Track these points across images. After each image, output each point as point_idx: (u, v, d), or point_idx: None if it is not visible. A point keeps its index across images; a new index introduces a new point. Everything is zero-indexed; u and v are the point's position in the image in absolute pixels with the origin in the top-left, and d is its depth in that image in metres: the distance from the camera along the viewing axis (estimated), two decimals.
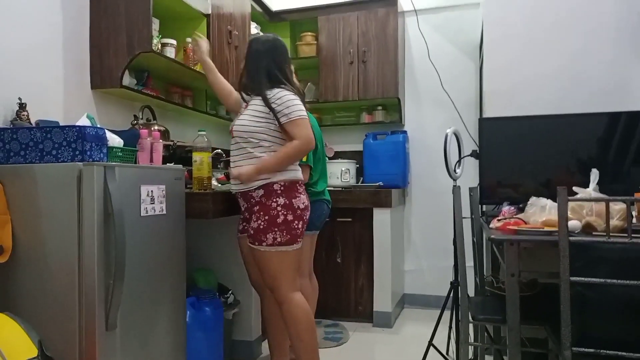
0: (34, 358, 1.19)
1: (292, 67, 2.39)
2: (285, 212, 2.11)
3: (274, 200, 2.12)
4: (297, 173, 2.20)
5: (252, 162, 2.14)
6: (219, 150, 3.11)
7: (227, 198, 2.36)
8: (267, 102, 2.14)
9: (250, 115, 2.18)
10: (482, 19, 3.07)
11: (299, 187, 2.19)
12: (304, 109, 2.16)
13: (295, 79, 2.36)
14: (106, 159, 1.79)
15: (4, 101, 2.02)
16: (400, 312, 3.74)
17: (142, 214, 1.80)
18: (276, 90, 2.16)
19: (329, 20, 3.82)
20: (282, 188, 2.13)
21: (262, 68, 2.23)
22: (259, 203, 2.14)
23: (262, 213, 2.12)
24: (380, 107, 3.94)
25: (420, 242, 3.94)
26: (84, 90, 2.48)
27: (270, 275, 2.16)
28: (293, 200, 2.14)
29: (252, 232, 2.14)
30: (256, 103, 2.19)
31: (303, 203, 2.17)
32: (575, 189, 1.81)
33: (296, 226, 2.14)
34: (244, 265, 2.44)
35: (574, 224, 1.67)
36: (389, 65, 3.67)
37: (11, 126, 1.96)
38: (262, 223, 2.11)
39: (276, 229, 2.10)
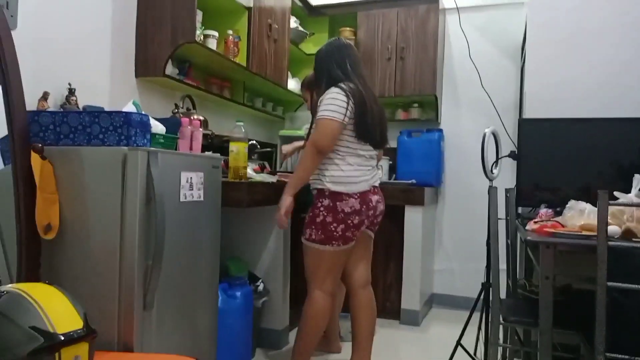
0: (80, 329, 1.25)
1: (355, 60, 2.31)
2: (325, 213, 2.16)
3: (320, 200, 2.20)
4: (347, 187, 2.17)
5: (314, 174, 2.22)
6: (254, 142, 3.17)
7: (261, 188, 2.41)
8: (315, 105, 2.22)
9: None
10: (525, 19, 3.01)
11: (351, 193, 2.18)
12: (334, 109, 2.09)
13: (361, 72, 2.30)
14: (149, 145, 1.85)
15: (55, 86, 2.11)
16: (428, 311, 3.72)
17: (181, 200, 1.85)
18: (329, 90, 2.17)
19: (369, 16, 3.81)
20: (329, 191, 2.17)
21: (321, 72, 2.29)
22: (313, 201, 2.26)
23: (312, 208, 2.23)
24: (416, 105, 3.92)
25: (451, 242, 3.91)
26: (128, 78, 2.57)
27: (305, 267, 2.29)
28: (338, 203, 2.16)
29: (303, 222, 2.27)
30: None
31: (350, 207, 2.16)
32: (616, 193, 1.77)
33: (334, 228, 2.16)
34: None
35: (613, 229, 1.63)
36: (427, 63, 3.65)
37: (61, 110, 2.05)
38: (308, 218, 2.24)
39: (313, 227, 2.20)
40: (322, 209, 2.17)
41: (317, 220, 2.18)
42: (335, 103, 2.10)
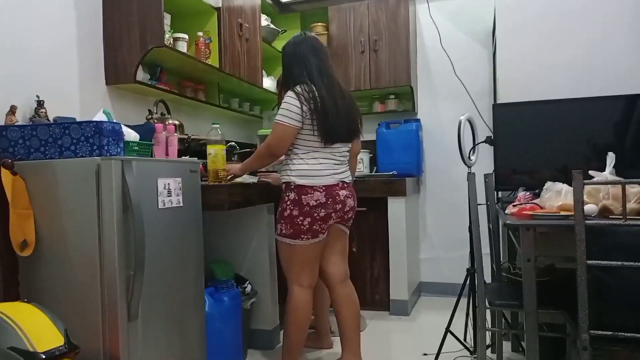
0: (61, 346, 1.23)
1: (320, 56, 2.29)
2: (292, 207, 2.20)
3: (287, 194, 2.24)
4: (312, 180, 2.20)
5: (282, 167, 2.31)
6: (233, 143, 3.15)
7: (242, 190, 2.39)
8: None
9: None
10: (494, 5, 3.03)
11: (315, 186, 2.20)
12: (286, 113, 2.15)
13: (326, 68, 2.28)
14: (123, 153, 1.82)
15: (22, 99, 2.06)
16: (417, 300, 3.75)
17: (159, 207, 1.83)
18: (286, 94, 2.22)
19: (339, 10, 3.80)
20: (294, 184, 2.20)
21: (285, 72, 2.34)
22: (281, 196, 2.29)
23: (279, 204, 2.28)
24: (392, 96, 3.93)
25: (436, 230, 3.94)
26: (99, 86, 2.52)
27: (281, 263, 2.36)
28: (303, 196, 2.18)
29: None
30: None
31: (316, 200, 2.19)
32: (591, 172, 1.79)
33: (301, 222, 2.19)
34: None
35: (590, 207, 1.66)
36: (400, 54, 3.66)
37: (30, 123, 2.00)
38: (278, 213, 2.28)
39: (282, 221, 2.24)
40: (288, 202, 2.21)
41: (284, 215, 2.22)
42: (289, 108, 2.16)
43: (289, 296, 2.29)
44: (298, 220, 2.19)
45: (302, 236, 2.20)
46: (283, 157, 2.32)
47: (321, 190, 2.20)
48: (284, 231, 2.23)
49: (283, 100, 2.20)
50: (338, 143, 2.26)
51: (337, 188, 2.24)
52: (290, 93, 2.19)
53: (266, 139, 2.26)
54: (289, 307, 2.29)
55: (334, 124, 2.20)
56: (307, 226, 2.19)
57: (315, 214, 2.19)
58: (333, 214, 2.24)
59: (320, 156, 2.23)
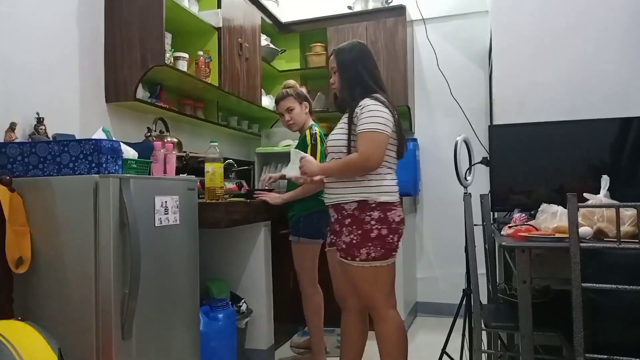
0: None
1: (378, 69, 2.19)
2: (379, 227, 2.01)
3: (368, 214, 2.02)
4: (394, 196, 2.07)
5: (348, 185, 2.06)
6: (231, 161, 3.16)
7: (239, 208, 2.39)
8: (350, 115, 2.05)
9: (340, 130, 2.10)
10: (490, 26, 3.08)
11: (396, 202, 2.08)
12: (384, 122, 1.97)
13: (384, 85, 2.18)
14: (121, 171, 1.83)
15: (22, 116, 2.08)
16: (413, 320, 3.73)
17: (156, 224, 1.83)
18: (366, 101, 2.02)
19: (338, 31, 3.85)
20: (375, 202, 2.03)
21: (354, 78, 2.10)
22: (352, 216, 2.04)
23: (354, 227, 2.03)
24: None
25: (433, 250, 3.94)
26: (99, 104, 2.54)
27: (365, 292, 2.09)
28: (388, 213, 2.03)
29: (344, 246, 2.06)
30: (346, 117, 2.10)
31: (399, 216, 2.07)
32: (586, 195, 1.81)
33: (391, 240, 2.04)
34: (331, 277, 2.36)
35: (585, 230, 1.67)
36: (398, 74, 3.70)
37: (29, 140, 2.02)
38: (355, 238, 2.03)
39: (370, 244, 2.01)
40: (373, 222, 2.01)
41: (372, 236, 2.01)
42: (383, 116, 1.98)
43: (386, 323, 2.08)
44: (388, 239, 2.02)
45: (393, 253, 2.06)
46: (316, 179, 2.17)
47: (400, 206, 2.10)
48: (372, 254, 2.01)
49: (369, 110, 1.98)
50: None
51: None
52: (373, 102, 2.00)
53: (359, 150, 1.98)
54: (393, 333, 2.07)
55: (403, 140, 2.13)
56: (396, 244, 2.06)
57: (400, 231, 2.08)
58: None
59: (392, 171, 2.12)
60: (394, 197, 2.07)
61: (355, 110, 2.03)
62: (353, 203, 2.04)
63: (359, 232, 2.02)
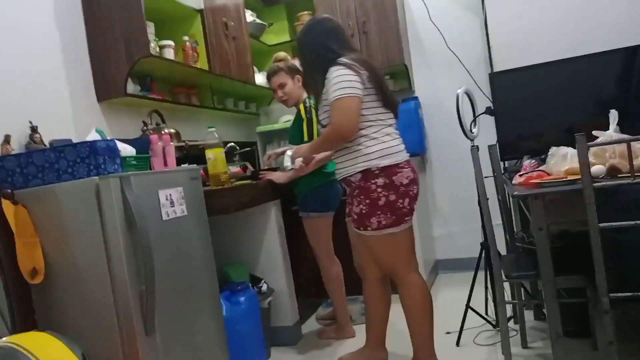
0: None
1: (342, 32, 2.14)
2: (386, 193, 1.97)
3: (372, 181, 1.98)
4: (396, 157, 2.00)
5: (344, 151, 2.04)
6: (233, 144, 3.13)
7: (246, 191, 2.38)
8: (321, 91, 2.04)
9: (323, 108, 2.07)
10: None
11: (399, 163, 2.01)
12: (347, 85, 1.91)
13: (352, 44, 2.17)
14: (121, 170, 1.81)
15: (16, 127, 2.05)
16: (435, 278, 3.73)
17: (164, 218, 1.82)
18: (330, 71, 1.98)
19: None
20: (378, 168, 1.98)
21: (312, 59, 2.09)
22: (359, 187, 2.01)
23: (362, 197, 2.00)
24: (387, 77, 3.87)
25: (447, 207, 3.90)
26: (91, 104, 2.51)
27: (383, 260, 2.09)
28: (394, 177, 1.97)
29: (355, 217, 2.05)
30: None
31: (407, 178, 1.99)
32: (595, 132, 1.75)
33: (401, 205, 1.98)
34: (351, 247, 2.49)
35: (597, 169, 1.62)
36: (390, 33, 3.59)
37: (25, 150, 2.00)
38: (364, 207, 2.00)
39: (379, 212, 1.98)
40: (379, 190, 1.97)
41: (380, 204, 1.97)
42: (345, 79, 1.92)
43: (409, 288, 2.07)
44: (398, 204, 1.97)
45: (406, 219, 2.02)
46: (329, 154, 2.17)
47: (407, 167, 2.02)
48: (383, 222, 1.98)
49: (332, 78, 1.95)
50: (392, 113, 2.08)
51: (413, 164, 2.08)
52: (335, 68, 1.96)
53: (330, 121, 1.97)
54: (417, 297, 2.07)
55: (388, 90, 2.05)
56: (408, 207, 2.01)
57: (411, 192, 2.01)
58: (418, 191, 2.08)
59: (391, 131, 2.04)
60: (398, 158, 2.00)
61: (325, 84, 2.00)
62: (357, 174, 2.01)
63: (367, 201, 1.99)
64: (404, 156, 2.04)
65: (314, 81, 2.09)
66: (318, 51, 2.07)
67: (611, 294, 1.51)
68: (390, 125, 2.07)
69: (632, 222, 1.46)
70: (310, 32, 2.13)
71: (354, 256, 2.40)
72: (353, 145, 2.01)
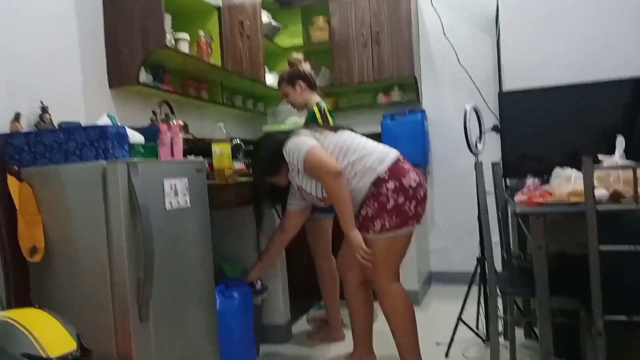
0: (74, 351, 1.23)
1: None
2: (395, 196, 2.02)
3: (383, 188, 2.04)
4: (388, 156, 2.10)
5: (358, 182, 2.10)
6: (238, 141, 3.14)
7: (249, 187, 2.39)
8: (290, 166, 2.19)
9: (302, 180, 2.19)
10: None
11: (404, 165, 2.10)
12: (300, 143, 2.12)
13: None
14: (128, 156, 1.83)
15: (27, 106, 2.06)
16: (428, 290, 3.74)
17: (167, 208, 1.83)
18: (285, 152, 2.16)
19: (340, 4, 3.78)
20: (388, 172, 2.05)
21: (264, 162, 2.28)
22: (372, 195, 2.06)
23: (371, 200, 2.06)
24: (396, 87, 3.91)
25: (445, 220, 3.92)
26: (102, 89, 2.52)
27: (371, 262, 2.08)
28: (402, 179, 2.04)
29: (360, 219, 2.08)
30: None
31: (414, 180, 2.06)
32: (600, 156, 1.77)
33: (408, 207, 2.04)
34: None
35: (600, 193, 1.64)
36: (403, 45, 3.63)
37: (34, 130, 2.01)
38: (371, 210, 2.05)
39: (385, 214, 2.03)
40: (389, 193, 2.02)
41: (388, 207, 2.02)
42: (295, 145, 2.14)
43: (390, 297, 2.11)
44: (405, 207, 2.03)
45: (410, 221, 2.06)
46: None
47: (413, 170, 2.10)
48: (386, 225, 2.03)
49: (290, 154, 2.15)
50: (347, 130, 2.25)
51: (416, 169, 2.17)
52: (285, 148, 2.17)
53: (320, 178, 2.11)
54: (399, 307, 2.10)
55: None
56: (414, 210, 2.06)
57: (418, 195, 2.07)
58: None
59: (364, 141, 2.16)
60: (392, 155, 2.09)
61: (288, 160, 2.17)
62: (371, 187, 2.07)
63: (375, 204, 2.04)
64: (395, 152, 2.13)
65: (273, 167, 2.24)
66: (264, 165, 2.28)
67: (606, 316, 1.52)
68: (356, 140, 2.17)
69: (632, 246, 1.48)
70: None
71: (337, 258, 2.41)
72: (352, 171, 2.08)
